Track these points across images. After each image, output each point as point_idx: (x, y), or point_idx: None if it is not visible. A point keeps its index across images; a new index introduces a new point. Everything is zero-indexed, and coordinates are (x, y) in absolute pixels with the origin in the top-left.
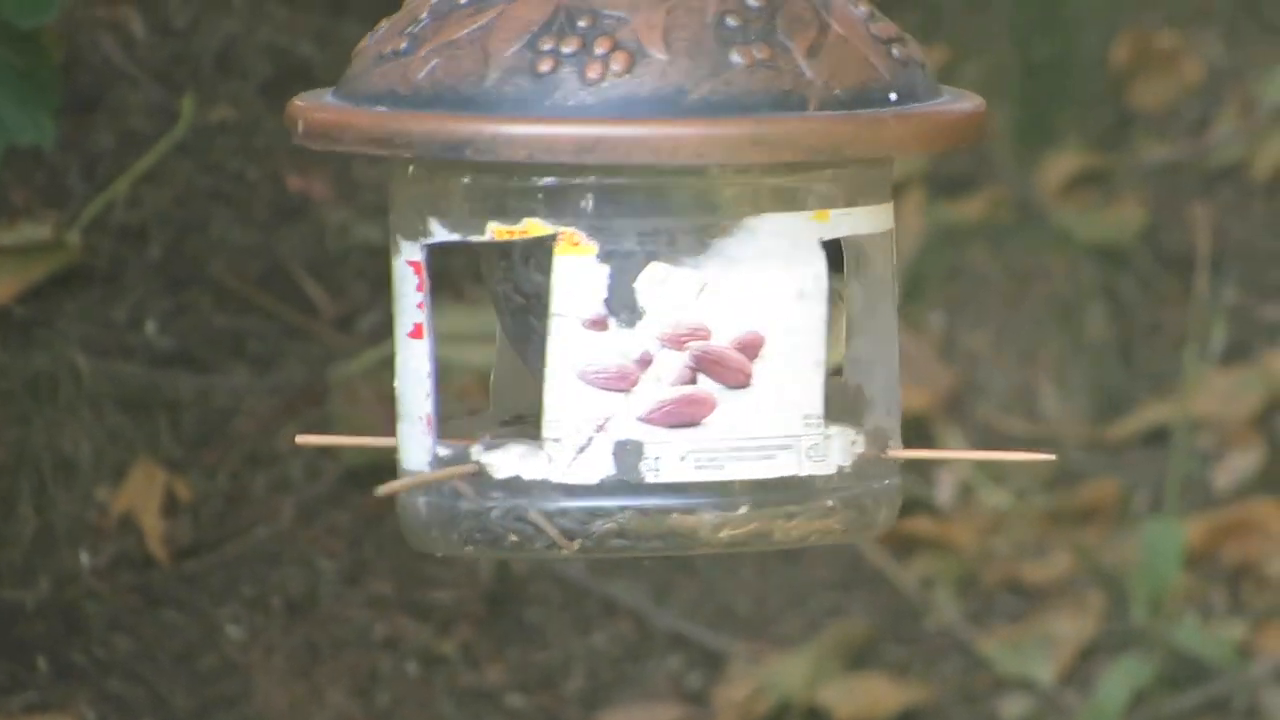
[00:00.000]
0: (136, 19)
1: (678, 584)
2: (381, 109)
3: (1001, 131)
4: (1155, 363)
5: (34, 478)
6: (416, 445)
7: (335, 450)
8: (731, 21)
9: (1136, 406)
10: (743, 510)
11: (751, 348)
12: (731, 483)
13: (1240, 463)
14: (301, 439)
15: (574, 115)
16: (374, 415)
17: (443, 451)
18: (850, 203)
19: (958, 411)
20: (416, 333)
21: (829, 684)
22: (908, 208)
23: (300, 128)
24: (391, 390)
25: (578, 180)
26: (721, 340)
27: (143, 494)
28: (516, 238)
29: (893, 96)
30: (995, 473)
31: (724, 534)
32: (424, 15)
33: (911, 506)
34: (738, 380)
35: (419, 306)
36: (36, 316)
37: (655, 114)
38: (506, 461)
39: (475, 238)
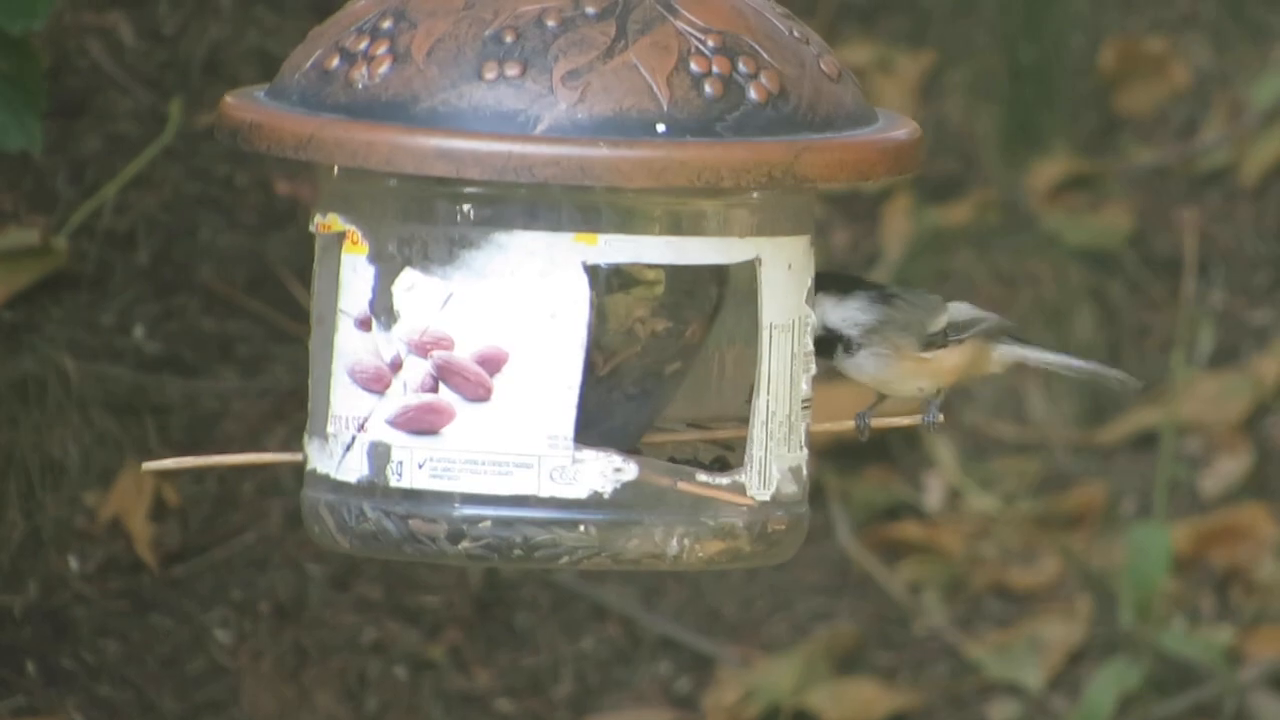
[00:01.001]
0: (125, 24)
1: (667, 588)
2: (255, 95)
3: (988, 136)
4: (1143, 367)
5: (22, 482)
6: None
7: None
8: (507, 38)
9: (1124, 411)
10: (484, 524)
11: (493, 363)
12: (472, 494)
13: (1228, 467)
14: (147, 465)
15: (329, 113)
16: None
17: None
18: (640, 230)
19: (946, 416)
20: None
21: (817, 688)
22: (895, 212)
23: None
24: None
25: (361, 182)
26: (464, 352)
27: (131, 498)
28: (324, 231)
29: (661, 128)
30: (983, 477)
31: (463, 545)
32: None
33: (900, 511)
34: (477, 393)
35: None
36: (24, 321)
37: (384, 119)
38: (313, 453)
39: (311, 229)
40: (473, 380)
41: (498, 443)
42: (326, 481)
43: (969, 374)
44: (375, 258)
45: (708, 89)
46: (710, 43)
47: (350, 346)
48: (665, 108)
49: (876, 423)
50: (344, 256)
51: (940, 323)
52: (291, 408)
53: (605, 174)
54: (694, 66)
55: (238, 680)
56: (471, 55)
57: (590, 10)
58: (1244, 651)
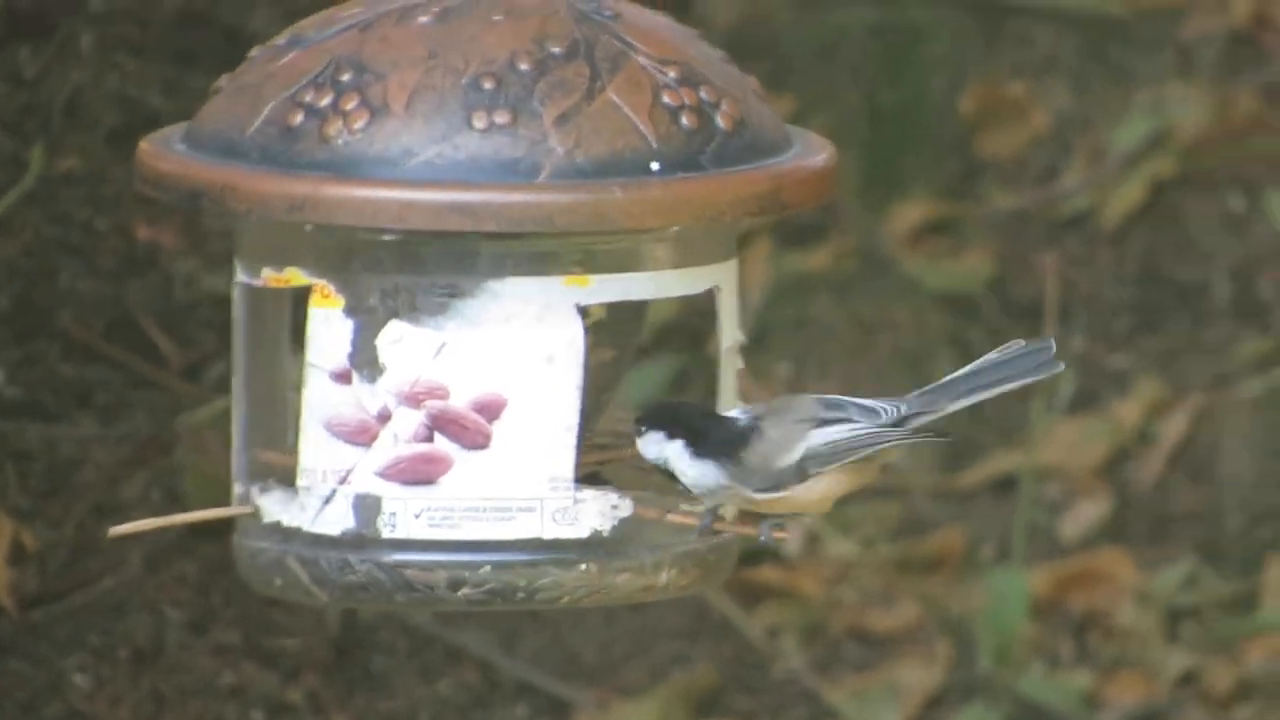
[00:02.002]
0: None
1: (525, 632)
2: (179, 150)
3: (848, 181)
4: (1003, 412)
5: None
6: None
7: (183, 500)
8: (486, 85)
9: (984, 456)
10: (484, 570)
11: (492, 409)
12: (471, 541)
13: (1087, 512)
14: (114, 531)
15: (304, 171)
16: (222, 464)
17: (238, 489)
18: (627, 267)
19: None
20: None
21: None
22: (754, 258)
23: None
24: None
25: (336, 236)
26: (460, 400)
27: None
28: (283, 285)
29: (654, 166)
30: (842, 522)
31: (462, 592)
32: (255, 53)
33: (759, 555)
34: (476, 441)
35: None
36: None
37: (377, 175)
38: (272, 507)
39: (254, 281)
40: (472, 428)
41: (499, 488)
42: (298, 534)
43: (851, 490)
44: (353, 311)
45: (684, 121)
46: (671, 74)
47: (324, 400)
48: (654, 145)
49: (719, 525)
50: (312, 310)
51: (793, 457)
52: (151, 454)
53: (620, 217)
54: (667, 100)
55: None
56: (455, 104)
57: (555, 50)
58: (1102, 696)
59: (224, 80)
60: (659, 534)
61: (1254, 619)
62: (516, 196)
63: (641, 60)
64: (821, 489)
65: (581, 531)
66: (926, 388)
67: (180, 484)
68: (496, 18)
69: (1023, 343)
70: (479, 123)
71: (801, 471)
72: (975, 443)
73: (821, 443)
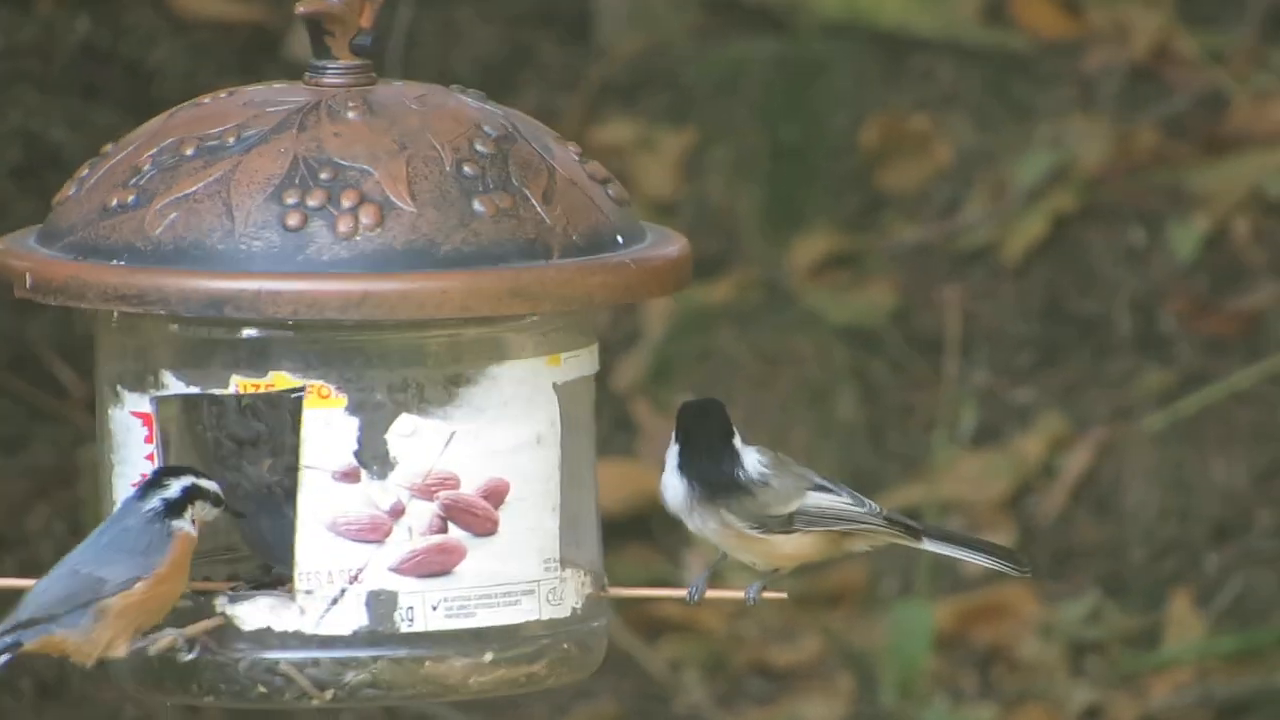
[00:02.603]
0: None
1: None
2: (121, 263)
3: (750, 214)
4: (905, 445)
5: None
6: None
7: (86, 532)
8: (469, 170)
9: (887, 489)
10: (488, 657)
11: (497, 495)
12: (480, 629)
13: None
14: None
15: (330, 270)
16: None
17: (183, 602)
18: (575, 346)
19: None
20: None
21: None
22: None
23: (29, 282)
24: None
25: (266, 333)
26: (470, 488)
27: None
28: (263, 390)
29: (619, 239)
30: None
31: (473, 681)
32: (147, 167)
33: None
34: (485, 528)
35: (148, 459)
36: None
37: (411, 268)
38: (255, 614)
39: (217, 390)
40: (480, 515)
41: (506, 573)
42: (296, 638)
43: (818, 559)
44: (358, 408)
45: (611, 193)
46: (574, 150)
47: (327, 500)
48: (611, 219)
49: (711, 594)
50: (309, 413)
51: (788, 509)
52: (54, 486)
53: (638, 289)
54: (590, 172)
55: None
56: (456, 192)
57: (494, 133)
58: None
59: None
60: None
61: (1158, 653)
62: (564, 276)
63: (551, 140)
64: (795, 544)
65: (565, 611)
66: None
67: (82, 516)
68: (415, 108)
69: (1010, 550)
70: (485, 208)
71: (789, 522)
72: (878, 475)
73: (814, 504)
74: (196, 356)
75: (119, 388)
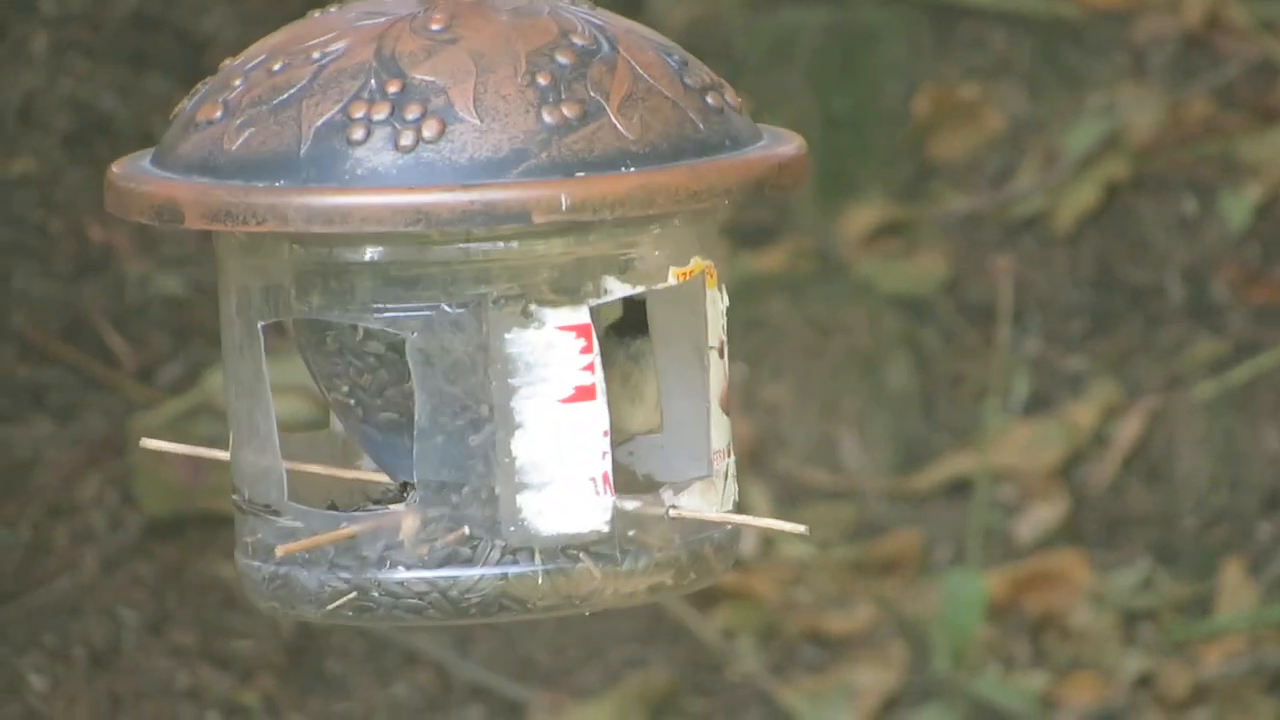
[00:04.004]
0: None
1: (479, 635)
2: (205, 180)
3: None
4: (957, 414)
5: None
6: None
7: (138, 501)
8: (542, 80)
9: (938, 458)
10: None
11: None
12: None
13: (1042, 514)
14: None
15: (392, 183)
16: (176, 466)
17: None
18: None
19: (759, 463)
20: (587, 394)
21: None
22: None
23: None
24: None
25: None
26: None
27: None
28: (689, 276)
29: (706, 147)
30: (797, 523)
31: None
32: (238, 82)
33: None
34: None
35: (587, 369)
36: None
37: (471, 180)
38: (690, 500)
39: (659, 285)
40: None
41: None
42: (708, 528)
43: None
44: (721, 289)
45: (710, 100)
46: (676, 57)
47: (717, 377)
48: (701, 128)
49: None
50: (708, 292)
51: None
52: (105, 455)
53: (708, 193)
54: (688, 81)
55: None
56: (524, 104)
57: (580, 42)
58: (1058, 698)
59: (191, 102)
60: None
61: (1210, 622)
62: (661, 179)
63: (650, 47)
64: None
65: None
66: None
67: (134, 484)
68: (504, 19)
69: None
70: (552, 118)
71: None
72: (930, 445)
73: None
74: (648, 250)
75: (532, 306)
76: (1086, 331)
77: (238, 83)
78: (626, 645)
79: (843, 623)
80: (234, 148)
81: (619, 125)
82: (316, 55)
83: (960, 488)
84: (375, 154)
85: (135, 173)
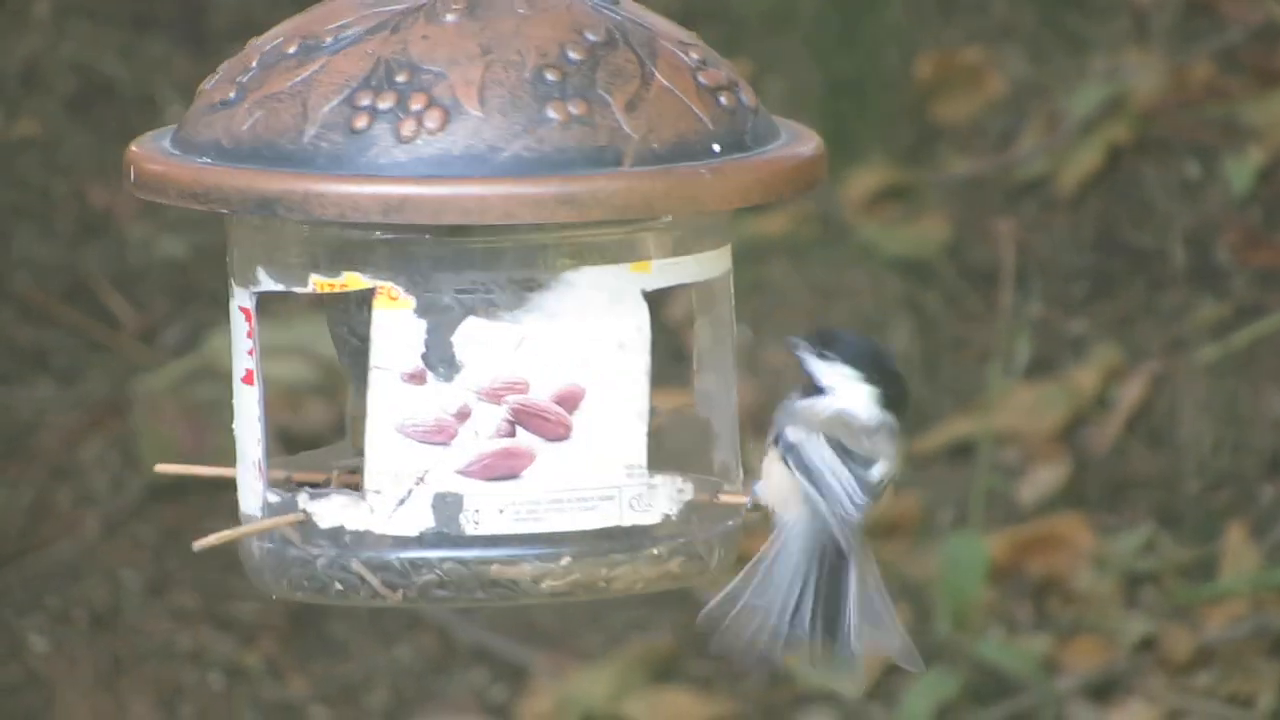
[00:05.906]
0: None
1: None
2: (205, 161)
3: None
4: (959, 377)
5: None
6: (249, 490)
7: (139, 464)
8: (550, 76)
9: (940, 421)
10: (564, 561)
11: (571, 400)
12: (553, 534)
13: (1044, 477)
14: (198, 544)
15: (386, 173)
16: (177, 428)
17: (272, 498)
18: (678, 251)
19: (762, 427)
20: (248, 379)
21: (632, 697)
22: None
23: (132, 175)
24: (196, 403)
25: (393, 236)
26: (541, 394)
27: None
28: (336, 290)
29: (716, 148)
30: None
31: (545, 585)
32: (253, 64)
33: None
34: (557, 433)
35: (249, 353)
36: None
37: (467, 172)
38: (330, 511)
39: (298, 289)
40: (553, 420)
41: (580, 479)
42: (367, 537)
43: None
44: (425, 311)
45: (723, 101)
46: (695, 56)
47: (396, 402)
48: (711, 127)
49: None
50: (378, 313)
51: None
52: (107, 417)
53: (711, 199)
54: (704, 81)
55: (52, 688)
56: (529, 98)
57: (595, 39)
58: (1060, 661)
59: (211, 82)
60: (711, 515)
61: (1212, 585)
62: (618, 184)
63: (668, 44)
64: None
65: (654, 517)
66: None
67: (136, 446)
68: (521, 11)
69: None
70: (556, 114)
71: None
72: (932, 408)
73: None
74: (281, 254)
75: (231, 281)
76: (1089, 295)
77: (253, 65)
78: (630, 609)
79: None
80: (242, 130)
81: (624, 124)
82: (329, 41)
83: (962, 451)
84: (376, 142)
85: (158, 153)
